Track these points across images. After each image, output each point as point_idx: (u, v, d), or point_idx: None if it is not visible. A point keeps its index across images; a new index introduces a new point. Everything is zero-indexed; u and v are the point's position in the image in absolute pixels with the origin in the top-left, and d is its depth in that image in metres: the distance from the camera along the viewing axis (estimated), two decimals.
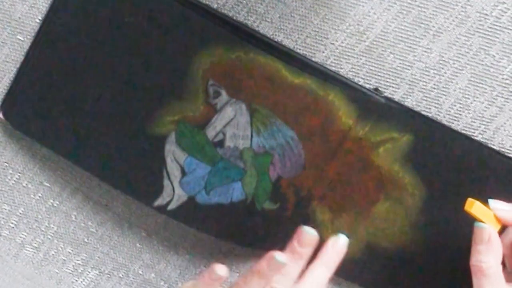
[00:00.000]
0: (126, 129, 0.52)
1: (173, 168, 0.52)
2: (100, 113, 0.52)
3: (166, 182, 0.52)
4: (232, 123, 0.51)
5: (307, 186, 0.52)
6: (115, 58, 0.51)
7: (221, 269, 0.48)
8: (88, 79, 0.52)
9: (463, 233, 0.53)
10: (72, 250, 0.56)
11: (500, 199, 0.52)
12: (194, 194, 0.52)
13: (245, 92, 0.51)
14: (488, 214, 0.49)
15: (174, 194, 0.52)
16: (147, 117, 0.51)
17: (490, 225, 0.48)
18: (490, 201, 0.49)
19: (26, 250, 0.57)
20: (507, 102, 0.53)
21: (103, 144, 0.52)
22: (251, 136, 0.51)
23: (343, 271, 0.53)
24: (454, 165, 0.52)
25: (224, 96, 0.51)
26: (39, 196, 0.56)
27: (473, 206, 0.49)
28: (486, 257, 0.48)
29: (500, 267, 0.48)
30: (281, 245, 0.53)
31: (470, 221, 0.52)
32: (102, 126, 0.52)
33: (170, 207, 0.52)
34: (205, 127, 0.51)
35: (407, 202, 0.53)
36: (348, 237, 0.52)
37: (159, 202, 0.52)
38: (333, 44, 0.53)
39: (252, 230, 0.52)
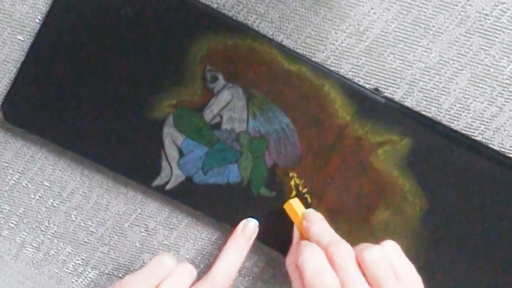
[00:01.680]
0: (125, 114, 0.53)
1: (171, 150, 0.53)
2: (99, 102, 0.53)
3: (164, 163, 0.53)
4: (228, 106, 0.52)
5: (305, 181, 0.52)
6: (114, 49, 0.52)
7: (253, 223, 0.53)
8: (88, 73, 0.52)
9: (465, 242, 0.52)
10: (72, 250, 0.56)
11: (501, 200, 0.52)
12: (191, 174, 0.53)
13: (242, 77, 0.52)
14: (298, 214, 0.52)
15: (172, 174, 0.53)
16: (145, 102, 0.52)
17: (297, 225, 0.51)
18: (304, 211, 0.52)
19: (26, 250, 0.57)
20: (507, 102, 0.53)
21: (103, 130, 0.53)
22: (247, 119, 0.52)
23: None
24: (454, 171, 0.52)
25: (221, 80, 0.52)
26: (39, 196, 0.56)
27: (286, 204, 0.52)
28: (288, 256, 0.51)
29: (294, 267, 0.49)
30: (278, 234, 0.53)
31: (470, 233, 0.52)
32: (102, 114, 0.53)
33: (168, 187, 0.53)
34: (203, 110, 0.52)
35: (407, 212, 0.52)
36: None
37: (157, 182, 0.53)
38: (333, 44, 0.53)
39: (248, 214, 0.53)
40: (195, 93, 0.52)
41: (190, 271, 0.52)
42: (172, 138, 0.53)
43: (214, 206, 0.53)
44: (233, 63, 0.52)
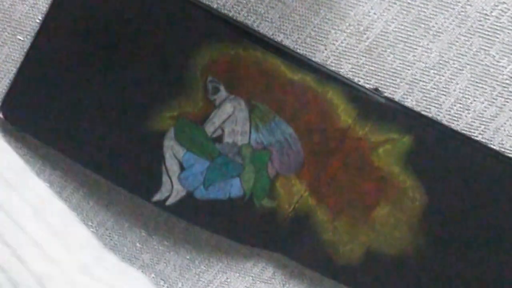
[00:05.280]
0: (125, 126, 0.52)
1: (171, 164, 0.52)
2: (99, 110, 0.52)
3: (164, 177, 0.52)
4: (230, 119, 0.51)
5: (306, 185, 0.52)
6: (114, 56, 0.52)
7: None
8: (88, 77, 0.52)
9: (465, 237, 0.53)
10: None
11: (502, 202, 0.52)
12: (192, 189, 0.52)
13: (244, 89, 0.51)
14: None
15: (172, 189, 0.52)
16: (146, 114, 0.52)
17: None
18: None
19: None
20: (507, 102, 0.53)
21: (102, 141, 0.52)
22: (250, 132, 0.51)
23: (343, 277, 0.53)
24: (454, 167, 0.52)
25: (223, 92, 0.51)
26: None
27: None
28: None
29: None
30: (281, 245, 0.53)
31: (472, 225, 0.52)
32: (101, 123, 0.52)
33: (168, 202, 0.52)
34: (204, 123, 0.51)
35: (408, 207, 0.52)
36: (348, 243, 0.52)
37: (157, 197, 0.52)
38: (333, 44, 0.53)
39: (250, 227, 0.53)
40: (196, 105, 0.51)
41: None
42: (173, 151, 0.52)
43: (216, 221, 0.52)
44: (235, 74, 0.51)
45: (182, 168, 0.52)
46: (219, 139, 0.52)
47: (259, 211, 0.52)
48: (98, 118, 0.52)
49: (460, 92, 0.53)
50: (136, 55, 0.51)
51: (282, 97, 0.51)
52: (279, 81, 0.51)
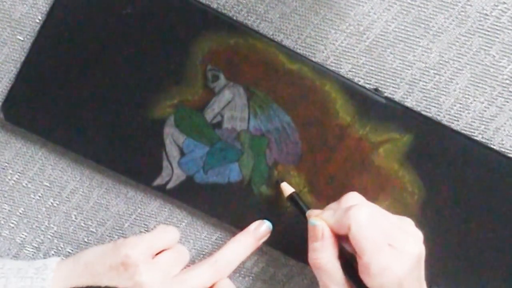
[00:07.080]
0: (126, 115, 0.53)
1: (172, 150, 0.53)
2: (100, 100, 0.53)
3: (165, 163, 0.53)
4: (230, 105, 0.52)
5: (305, 180, 0.53)
6: (115, 49, 0.52)
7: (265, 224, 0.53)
8: (89, 73, 0.52)
9: (462, 231, 0.53)
10: (72, 250, 0.56)
11: (500, 199, 0.52)
12: (192, 174, 0.53)
13: (243, 76, 0.52)
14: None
15: (172, 174, 0.53)
16: (147, 102, 0.52)
17: (323, 222, 0.48)
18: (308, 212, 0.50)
19: (26, 250, 0.57)
20: (507, 102, 0.53)
21: (103, 130, 0.53)
22: (248, 118, 0.52)
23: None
24: (453, 165, 0.52)
25: (222, 79, 0.52)
26: (39, 196, 0.56)
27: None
28: (321, 253, 0.47)
29: (336, 260, 0.47)
30: (279, 233, 0.53)
31: (469, 220, 0.52)
32: (102, 112, 0.53)
33: (169, 186, 0.53)
34: (204, 110, 0.52)
35: (406, 201, 0.53)
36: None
37: (158, 182, 0.53)
38: (333, 44, 0.53)
39: (248, 213, 0.53)
40: (196, 93, 0.52)
41: (187, 253, 0.53)
42: (173, 138, 0.53)
43: (215, 205, 0.54)
44: (234, 62, 0.52)
45: (182, 153, 0.53)
46: (219, 125, 0.53)
47: (257, 198, 0.53)
48: (99, 109, 0.53)
49: (460, 92, 0.53)
50: (136, 45, 0.52)
51: (279, 86, 0.52)
52: (276, 70, 0.52)
